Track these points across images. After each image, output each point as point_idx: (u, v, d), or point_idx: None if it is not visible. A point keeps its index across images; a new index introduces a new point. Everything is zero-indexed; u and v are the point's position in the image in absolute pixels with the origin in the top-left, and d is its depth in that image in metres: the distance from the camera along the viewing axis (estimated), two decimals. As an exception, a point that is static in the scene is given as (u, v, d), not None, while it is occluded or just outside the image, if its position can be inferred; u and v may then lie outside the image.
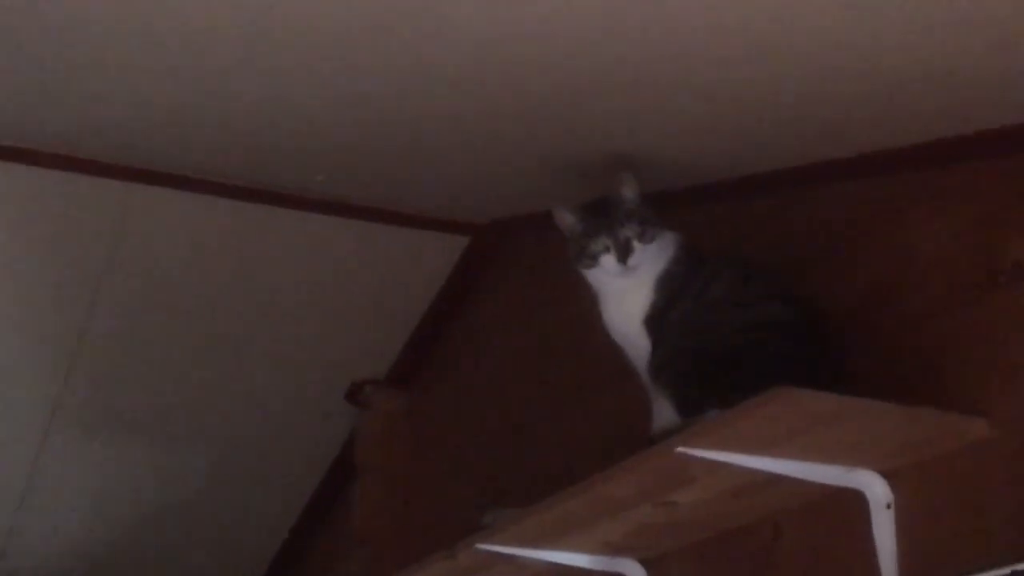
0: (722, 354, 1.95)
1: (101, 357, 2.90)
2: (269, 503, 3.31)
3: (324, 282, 2.85)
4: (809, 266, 2.06)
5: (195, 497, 3.27)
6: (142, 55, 2.04)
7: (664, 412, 2.01)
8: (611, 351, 2.15)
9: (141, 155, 2.48)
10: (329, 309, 2.90)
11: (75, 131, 2.37)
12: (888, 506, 1.83)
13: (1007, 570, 1.67)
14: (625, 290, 2.07)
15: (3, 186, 2.53)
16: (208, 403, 3.06)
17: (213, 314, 2.87)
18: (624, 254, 2.03)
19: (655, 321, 2.04)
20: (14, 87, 2.17)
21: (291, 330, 2.93)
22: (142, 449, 3.15)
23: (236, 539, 3.39)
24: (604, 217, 2.06)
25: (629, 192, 2.07)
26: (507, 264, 2.81)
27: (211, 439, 3.15)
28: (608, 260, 2.05)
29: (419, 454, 3.05)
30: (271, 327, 2.92)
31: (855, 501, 1.86)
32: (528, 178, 2.40)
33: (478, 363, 2.90)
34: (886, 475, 1.84)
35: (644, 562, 2.22)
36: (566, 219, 2.12)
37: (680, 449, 1.81)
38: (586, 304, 2.15)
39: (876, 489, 1.84)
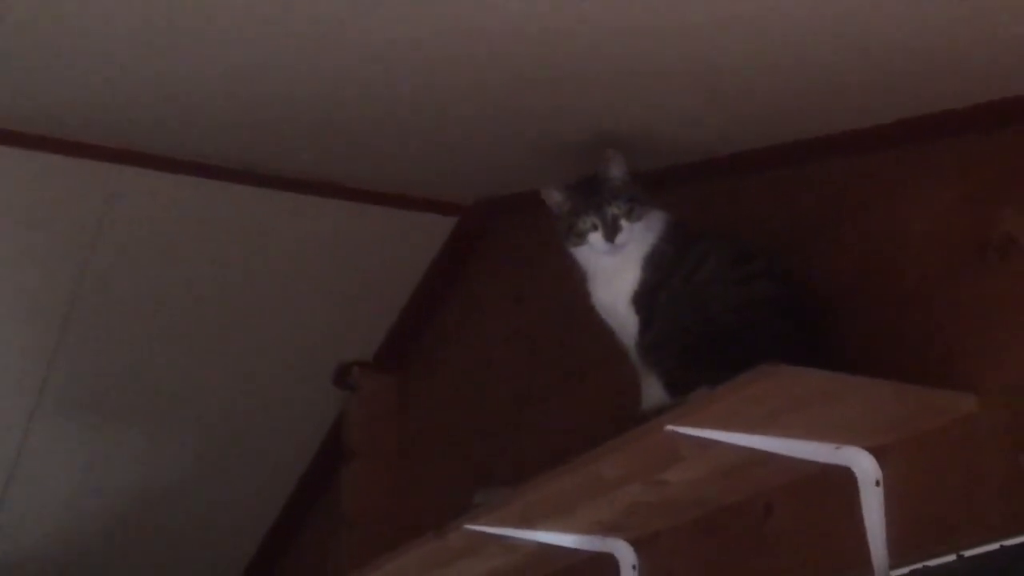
0: (711, 332, 1.95)
1: (86, 341, 2.88)
2: (257, 486, 3.29)
3: (311, 263, 2.84)
4: (799, 243, 2.05)
5: (182, 481, 3.25)
6: (127, 36, 2.02)
7: (654, 390, 2.01)
8: (601, 330, 2.15)
9: (127, 136, 2.46)
10: (316, 291, 2.89)
11: (59, 112, 2.36)
12: (877, 483, 1.83)
13: (996, 545, 1.67)
14: (613, 268, 2.07)
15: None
16: (195, 386, 3.05)
17: (199, 296, 2.86)
18: (612, 232, 2.03)
19: (643, 299, 2.04)
20: (-2, 68, 2.16)
21: (278, 312, 2.92)
22: (128, 433, 3.13)
23: (224, 522, 3.38)
24: (592, 195, 2.06)
25: (616, 170, 2.07)
26: (495, 244, 2.81)
27: (198, 422, 3.13)
28: (596, 238, 2.05)
29: (407, 436, 3.05)
30: (258, 309, 2.91)
31: (844, 478, 1.86)
32: (516, 157, 2.40)
33: (467, 344, 2.89)
34: (875, 452, 1.84)
35: (634, 542, 2.22)
36: (554, 197, 2.11)
37: (669, 427, 1.81)
38: (575, 283, 2.14)
39: (865, 466, 1.84)
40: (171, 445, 3.18)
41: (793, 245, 2.05)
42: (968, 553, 1.70)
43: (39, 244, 2.69)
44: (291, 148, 2.47)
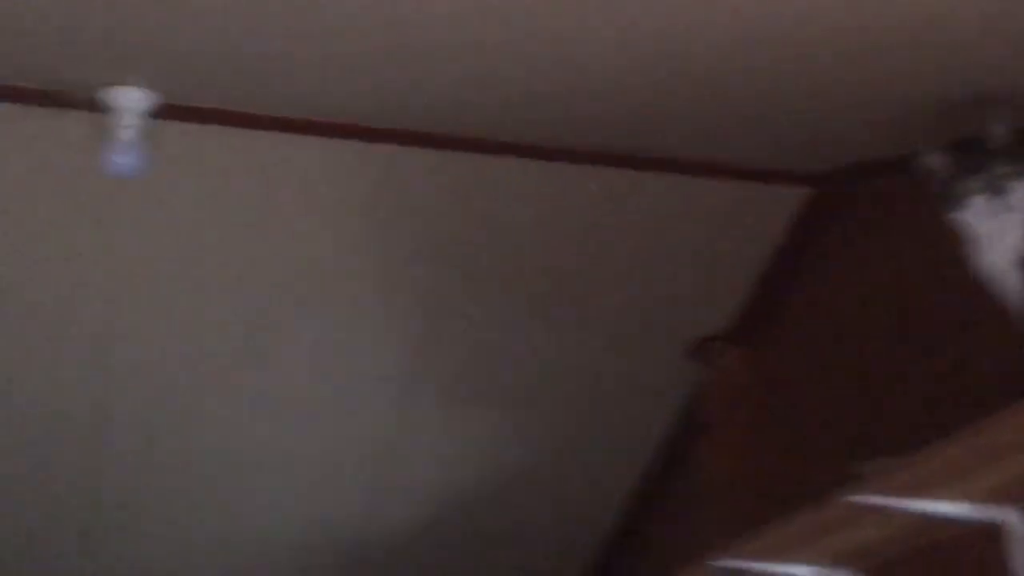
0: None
1: (451, 328, 2.99)
2: (614, 460, 3.36)
3: (665, 240, 2.86)
4: None
5: (540, 457, 3.34)
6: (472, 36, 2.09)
7: (1047, 355, 1.94)
8: (973, 294, 2.09)
9: (487, 127, 2.53)
10: (670, 267, 2.91)
11: (423, 109, 2.45)
12: None
13: None
14: (998, 231, 2.01)
15: (354, 167, 2.63)
16: (552, 366, 3.12)
17: (558, 278, 2.92)
18: (998, 193, 1.97)
19: (1032, 261, 1.98)
20: (379, 75, 2.26)
21: (633, 290, 2.96)
22: (489, 415, 3.24)
23: (583, 494, 3.46)
24: (975, 157, 2.00)
25: (1001, 128, 2.01)
26: (853, 213, 2.75)
27: (557, 401, 3.21)
28: (980, 201, 1.99)
29: (765, 408, 3.03)
30: (613, 287, 2.95)
31: None
32: (875, 121, 2.34)
33: (826, 316, 2.85)
34: None
35: (1026, 511, 2.15)
36: (934, 161, 2.07)
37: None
38: (945, 248, 2.09)
39: None
40: (531, 425, 3.26)
41: None
42: None
43: (402, 240, 2.80)
44: (637, 129, 2.49)
